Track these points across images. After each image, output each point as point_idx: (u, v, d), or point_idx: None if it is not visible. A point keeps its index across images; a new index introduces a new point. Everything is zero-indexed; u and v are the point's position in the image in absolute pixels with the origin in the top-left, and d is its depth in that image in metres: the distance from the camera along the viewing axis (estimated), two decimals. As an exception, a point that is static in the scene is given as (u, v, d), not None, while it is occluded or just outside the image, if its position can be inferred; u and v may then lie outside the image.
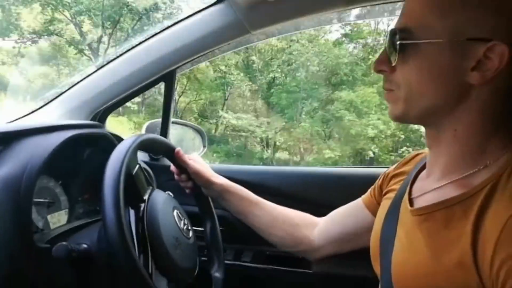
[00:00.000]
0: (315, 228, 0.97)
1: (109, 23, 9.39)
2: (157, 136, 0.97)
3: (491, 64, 0.55)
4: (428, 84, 0.59)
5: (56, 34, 9.37)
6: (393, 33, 0.60)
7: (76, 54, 9.64)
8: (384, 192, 0.83)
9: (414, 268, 0.61)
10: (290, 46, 10.70)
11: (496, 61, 0.54)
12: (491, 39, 0.54)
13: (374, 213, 0.86)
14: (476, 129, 0.59)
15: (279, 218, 0.98)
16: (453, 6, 0.56)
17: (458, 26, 0.55)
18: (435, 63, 0.58)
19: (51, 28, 9.16)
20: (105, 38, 9.73)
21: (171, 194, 1.13)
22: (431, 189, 0.64)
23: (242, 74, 10.86)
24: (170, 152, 0.99)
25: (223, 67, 10.71)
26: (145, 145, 0.88)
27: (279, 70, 10.85)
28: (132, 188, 0.79)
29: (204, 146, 1.60)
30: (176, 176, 1.05)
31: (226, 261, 1.23)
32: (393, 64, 0.61)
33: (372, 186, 0.90)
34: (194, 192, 1.06)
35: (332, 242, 0.94)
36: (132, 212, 0.81)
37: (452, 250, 0.55)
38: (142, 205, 0.83)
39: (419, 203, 0.66)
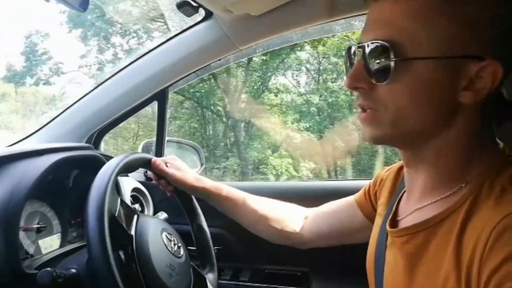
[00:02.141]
0: (305, 221, 0.94)
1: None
2: (133, 154, 0.92)
3: (483, 84, 0.50)
4: (419, 104, 0.53)
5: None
6: (378, 46, 0.52)
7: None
8: (378, 200, 0.80)
9: None
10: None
11: (489, 81, 0.50)
12: (484, 57, 0.49)
13: (366, 214, 0.83)
14: (459, 148, 0.55)
15: (267, 214, 0.95)
16: (444, 17, 0.49)
17: (451, 40, 0.49)
18: (427, 82, 0.51)
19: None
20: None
21: (164, 213, 1.12)
22: (413, 210, 0.61)
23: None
24: (146, 163, 0.95)
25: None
26: (124, 169, 0.84)
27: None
28: (117, 229, 0.76)
29: (201, 164, 1.59)
30: (155, 182, 1.02)
31: (224, 281, 1.22)
32: (374, 81, 0.54)
33: (366, 186, 0.86)
34: (177, 194, 1.03)
35: (320, 236, 0.91)
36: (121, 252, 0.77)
37: (433, 279, 0.52)
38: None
39: (402, 224, 0.63)
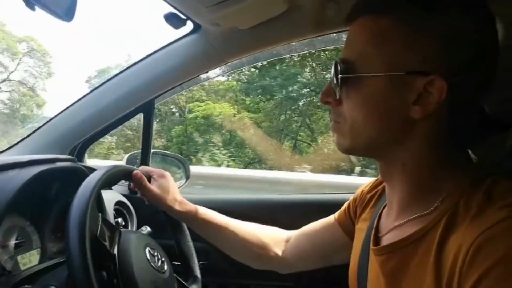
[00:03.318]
0: (286, 244, 0.93)
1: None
2: (115, 167, 0.88)
3: (431, 98, 0.53)
4: (371, 118, 0.57)
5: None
6: (335, 65, 0.58)
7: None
8: (358, 216, 0.80)
9: None
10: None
11: (436, 95, 0.52)
12: (430, 72, 0.52)
13: (347, 232, 0.83)
14: (424, 161, 0.57)
15: (246, 239, 0.92)
16: (389, 38, 0.54)
17: (396, 58, 0.54)
18: (377, 97, 0.55)
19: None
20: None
21: (147, 227, 1.09)
22: (392, 227, 0.62)
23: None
24: (128, 175, 0.92)
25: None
26: (106, 183, 0.81)
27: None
28: (100, 250, 0.74)
29: (187, 177, 1.56)
30: (139, 194, 0.97)
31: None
32: (337, 97, 0.60)
33: (346, 204, 0.86)
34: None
35: (303, 259, 0.90)
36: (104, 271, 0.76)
37: None
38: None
39: (383, 242, 0.63)
